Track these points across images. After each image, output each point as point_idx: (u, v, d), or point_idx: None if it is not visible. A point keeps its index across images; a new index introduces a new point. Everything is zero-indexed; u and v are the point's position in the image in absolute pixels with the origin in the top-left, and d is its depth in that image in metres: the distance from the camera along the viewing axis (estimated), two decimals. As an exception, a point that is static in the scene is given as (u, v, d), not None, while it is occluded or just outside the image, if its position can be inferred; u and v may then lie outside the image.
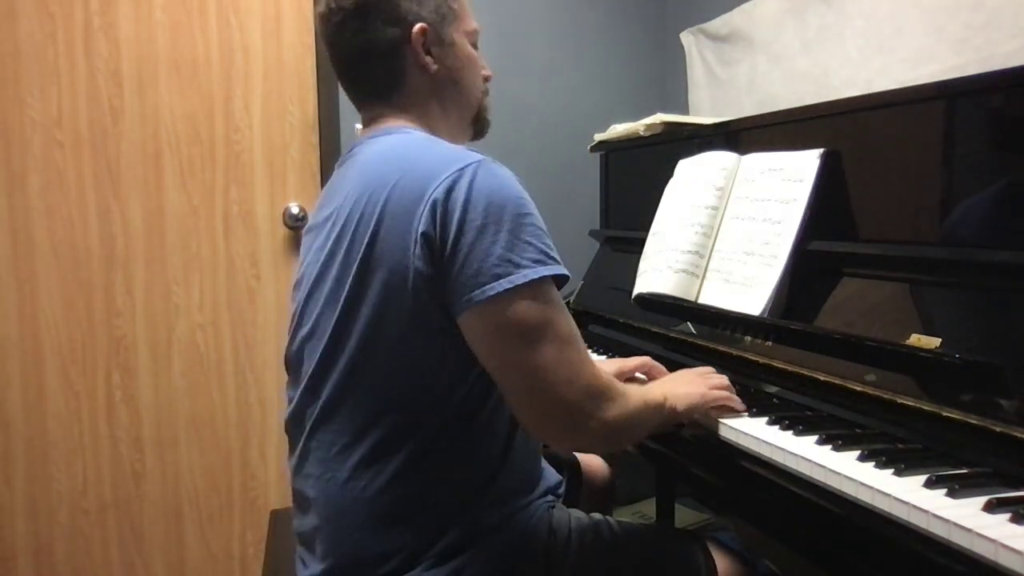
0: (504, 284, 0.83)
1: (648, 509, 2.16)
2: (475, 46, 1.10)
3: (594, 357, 1.45)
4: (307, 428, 0.97)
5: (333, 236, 0.94)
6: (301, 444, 1.00)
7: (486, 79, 1.13)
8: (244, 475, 2.11)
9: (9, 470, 1.89)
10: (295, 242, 2.11)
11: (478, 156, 0.90)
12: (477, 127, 1.14)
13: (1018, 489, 0.76)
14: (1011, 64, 1.09)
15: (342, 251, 0.92)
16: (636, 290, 1.48)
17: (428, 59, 1.02)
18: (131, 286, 1.97)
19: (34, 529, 1.92)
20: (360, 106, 1.08)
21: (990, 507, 0.71)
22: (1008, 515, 0.70)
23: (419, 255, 0.85)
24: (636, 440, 1.02)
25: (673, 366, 1.33)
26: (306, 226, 1.09)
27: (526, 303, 0.85)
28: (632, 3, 2.47)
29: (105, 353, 1.96)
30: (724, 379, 1.09)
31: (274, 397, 2.12)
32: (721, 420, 1.04)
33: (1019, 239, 0.94)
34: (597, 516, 1.08)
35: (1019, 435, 0.80)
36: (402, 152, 0.95)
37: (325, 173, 2.12)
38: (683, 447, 1.14)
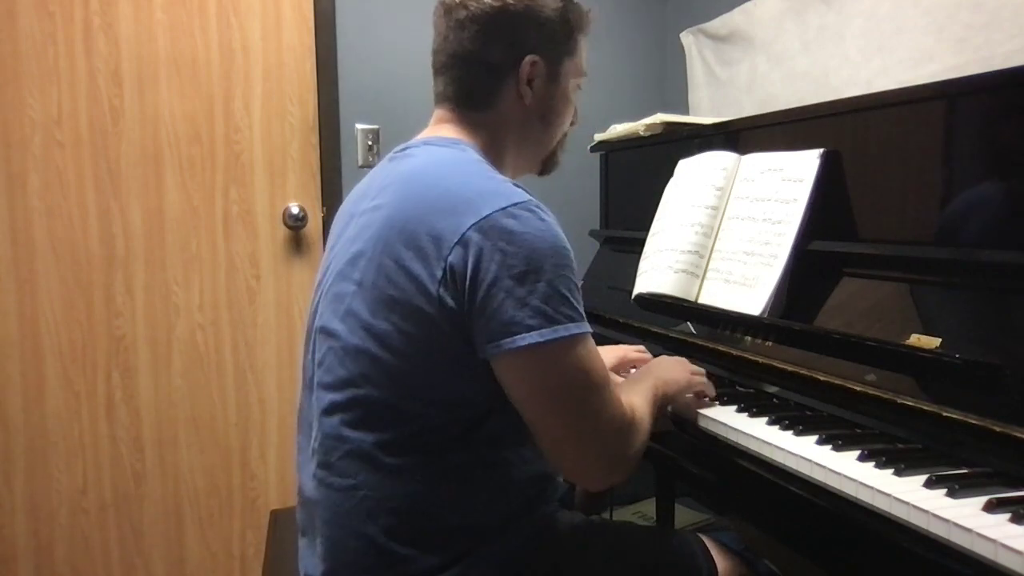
0: (538, 337, 0.82)
1: (648, 509, 2.16)
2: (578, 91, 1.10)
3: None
4: (316, 428, 0.96)
5: (365, 237, 0.92)
6: (310, 443, 0.99)
7: (574, 124, 1.13)
8: (244, 475, 2.11)
9: (9, 470, 1.89)
10: (295, 242, 2.11)
11: (524, 196, 0.88)
12: (545, 165, 1.14)
13: (1018, 489, 0.76)
14: (1011, 64, 1.09)
15: (371, 258, 0.90)
16: (636, 290, 1.48)
17: (527, 90, 1.01)
18: (131, 286, 1.97)
19: (34, 529, 1.92)
20: (439, 103, 1.04)
21: (990, 507, 0.71)
22: (1008, 515, 0.70)
23: (448, 286, 0.84)
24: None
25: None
26: (340, 209, 1.07)
27: (564, 355, 0.85)
28: (632, 3, 2.47)
29: (105, 353, 1.96)
30: (699, 368, 1.15)
31: (274, 397, 2.12)
32: (721, 420, 1.04)
33: (1019, 239, 0.94)
34: (598, 519, 1.08)
35: (1019, 435, 0.80)
36: (449, 172, 0.92)
37: (325, 173, 2.12)
38: (683, 447, 1.14)
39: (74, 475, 1.95)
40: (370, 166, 2.14)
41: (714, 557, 1.06)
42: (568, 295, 0.85)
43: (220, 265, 2.05)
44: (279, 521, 1.42)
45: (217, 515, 2.09)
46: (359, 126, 2.14)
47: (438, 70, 1.04)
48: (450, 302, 0.84)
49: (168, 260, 2.00)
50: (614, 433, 0.89)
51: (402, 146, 1.02)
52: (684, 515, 2.14)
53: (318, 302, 0.99)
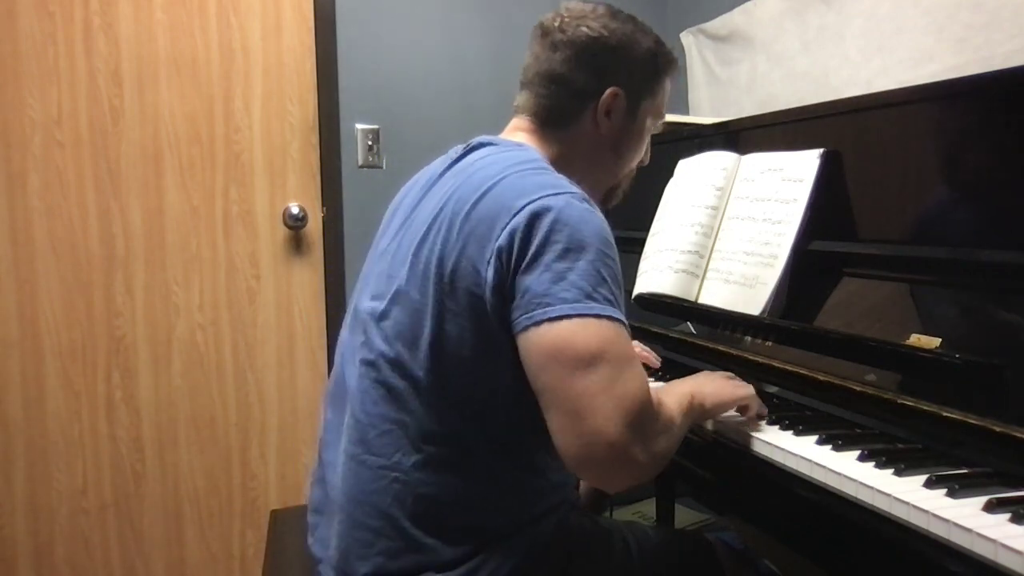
0: (571, 309, 0.80)
1: (648, 509, 2.16)
2: (653, 131, 1.12)
3: None
4: (353, 401, 0.96)
5: (425, 228, 0.93)
6: (343, 419, 0.98)
7: (643, 163, 1.15)
8: (244, 475, 2.11)
9: (9, 470, 1.89)
10: (295, 242, 2.11)
11: (578, 189, 0.89)
12: (608, 197, 1.15)
13: (1018, 489, 0.76)
14: (1011, 64, 1.09)
15: (428, 247, 0.90)
16: (636, 290, 1.48)
17: (604, 119, 1.03)
18: (131, 286, 1.97)
19: (34, 529, 1.92)
20: (518, 114, 1.07)
21: (990, 507, 0.71)
22: (1008, 515, 0.70)
23: (492, 265, 0.84)
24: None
25: (673, 366, 1.34)
26: (404, 187, 1.08)
27: (593, 331, 0.81)
28: (632, 3, 2.46)
29: (105, 353, 1.96)
30: (751, 388, 1.04)
31: (274, 397, 2.12)
32: (721, 420, 1.04)
33: (1019, 239, 0.94)
34: (604, 520, 1.08)
35: (1019, 435, 0.79)
36: (508, 165, 0.93)
37: (325, 173, 2.11)
38: (683, 447, 1.14)
39: (74, 475, 1.95)
40: (370, 166, 2.14)
41: (715, 556, 1.06)
42: (608, 280, 0.84)
43: (220, 265, 2.05)
44: (279, 521, 1.42)
45: (217, 515, 2.09)
46: (359, 126, 2.14)
47: (524, 84, 1.06)
48: (494, 281, 0.84)
49: (168, 260, 2.00)
50: (637, 413, 0.80)
51: (469, 143, 1.03)
52: (684, 515, 2.14)
53: (369, 281, 1.00)
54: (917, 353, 0.94)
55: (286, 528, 1.36)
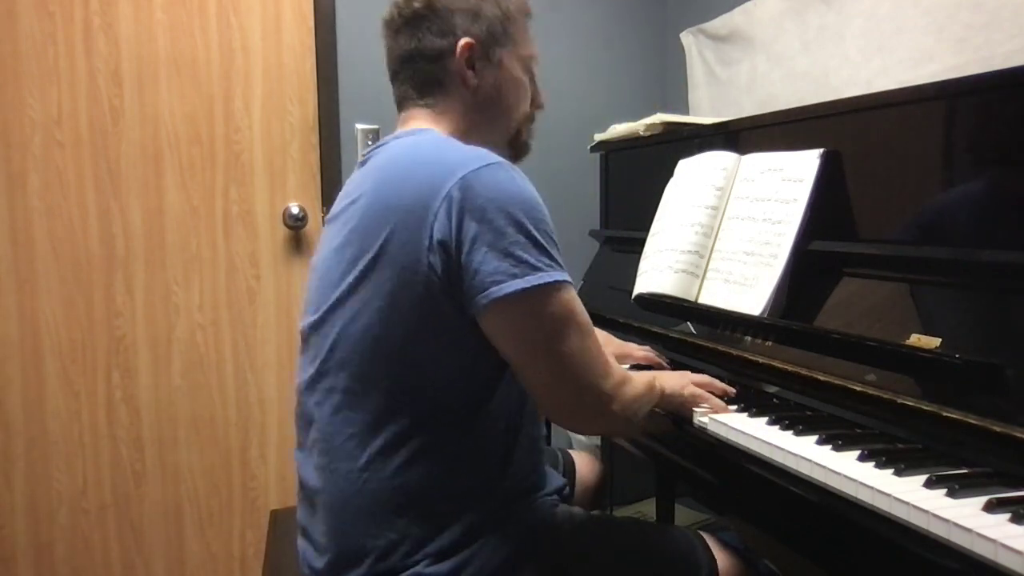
0: (522, 283, 0.86)
1: (648, 509, 2.16)
2: (532, 73, 1.14)
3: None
4: (314, 418, 0.98)
5: (347, 229, 0.95)
6: (309, 434, 1.00)
7: (536, 106, 1.16)
8: (244, 475, 2.11)
9: (9, 470, 1.89)
10: (295, 242, 2.11)
11: (496, 157, 0.92)
12: (514, 150, 1.16)
13: (1018, 489, 0.76)
14: (1011, 64, 1.09)
15: (355, 245, 0.93)
16: (636, 290, 1.48)
17: (470, 73, 1.05)
18: (131, 286, 1.97)
19: (34, 529, 1.92)
20: (400, 107, 1.11)
21: (990, 507, 0.71)
22: (1008, 515, 0.70)
23: (435, 252, 0.87)
24: (639, 419, 1.03)
25: (673, 366, 1.34)
26: (328, 215, 1.10)
27: (548, 300, 0.88)
28: (632, 3, 2.47)
29: (105, 353, 1.96)
30: (707, 377, 1.15)
31: (274, 397, 2.12)
32: (721, 420, 1.04)
33: (1019, 239, 0.94)
34: (598, 513, 1.08)
35: (1019, 435, 0.79)
36: (421, 150, 0.97)
37: (325, 173, 2.12)
38: (683, 447, 1.14)
39: (74, 475, 1.95)
40: (370, 166, 2.14)
41: (717, 556, 1.06)
42: (547, 246, 0.89)
43: (220, 265, 2.05)
44: (279, 521, 1.42)
45: (217, 515, 2.09)
46: (359, 126, 2.14)
47: (392, 80, 1.11)
48: (439, 266, 0.87)
49: (168, 260, 2.00)
50: (601, 375, 0.93)
51: (371, 147, 1.06)
52: (684, 515, 2.14)
53: (310, 298, 1.02)
54: (917, 353, 0.94)
55: (286, 528, 1.36)
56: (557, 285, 0.89)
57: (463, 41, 1.03)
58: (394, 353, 0.90)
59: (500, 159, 0.92)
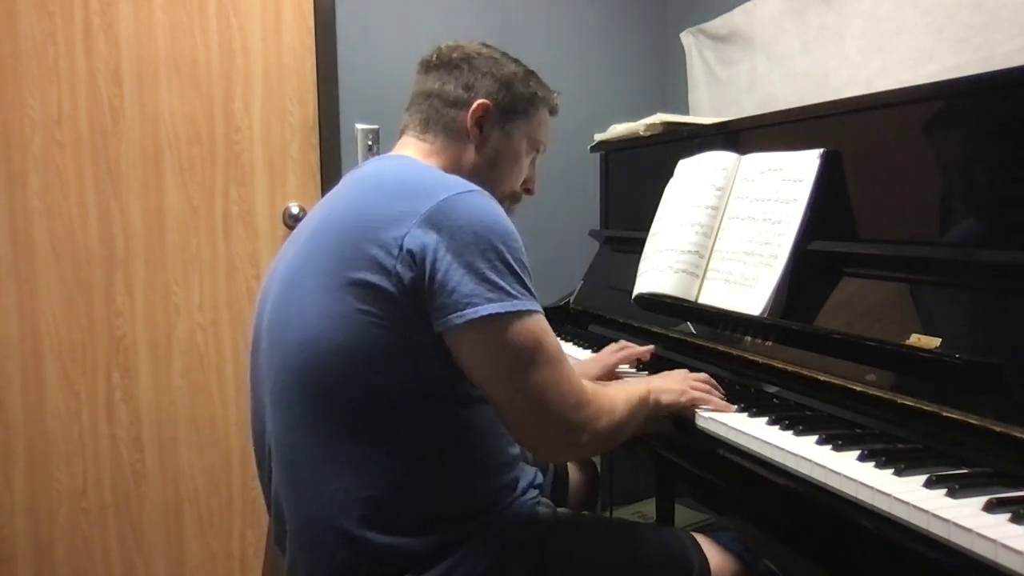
0: (498, 308, 0.87)
1: (648, 509, 2.16)
2: (534, 156, 1.17)
3: (574, 351, 1.49)
4: (272, 436, 0.97)
5: (315, 243, 0.95)
6: (266, 456, 1.00)
7: (526, 190, 1.18)
8: (244, 475, 2.11)
9: (9, 470, 1.89)
10: (295, 242, 2.11)
11: (475, 186, 0.94)
12: None
13: (1018, 489, 0.76)
14: (1011, 64, 1.09)
15: (325, 252, 0.92)
16: (636, 290, 1.48)
17: (476, 131, 1.08)
18: (131, 286, 1.97)
19: (34, 529, 1.92)
20: (401, 134, 1.13)
21: (990, 507, 0.71)
22: (1008, 515, 0.70)
23: (404, 262, 0.87)
24: (626, 438, 1.03)
25: (673, 366, 1.34)
26: (295, 229, 1.11)
27: (521, 327, 0.89)
28: (632, 3, 2.47)
29: (105, 353, 1.96)
30: (705, 376, 1.16)
31: (274, 397, 2.12)
32: (721, 420, 1.04)
33: (1019, 239, 0.94)
34: (584, 513, 1.08)
35: (1019, 435, 0.80)
36: (403, 170, 1.00)
37: (325, 173, 2.12)
38: (683, 447, 1.14)
39: (74, 475, 1.95)
40: (370, 166, 2.14)
41: (712, 556, 1.06)
42: (522, 275, 0.91)
43: (220, 265, 2.05)
44: (279, 521, 1.41)
45: (217, 515, 2.09)
46: (359, 126, 2.14)
47: (406, 109, 1.13)
48: (407, 276, 0.87)
49: (168, 260, 2.00)
50: (571, 407, 0.92)
51: (356, 167, 1.09)
52: (684, 515, 2.14)
53: (264, 310, 1.01)
54: (917, 353, 0.94)
55: (286, 528, 1.36)
56: (529, 314, 0.90)
57: (481, 100, 1.07)
58: (358, 359, 0.89)
59: (479, 188, 0.93)
